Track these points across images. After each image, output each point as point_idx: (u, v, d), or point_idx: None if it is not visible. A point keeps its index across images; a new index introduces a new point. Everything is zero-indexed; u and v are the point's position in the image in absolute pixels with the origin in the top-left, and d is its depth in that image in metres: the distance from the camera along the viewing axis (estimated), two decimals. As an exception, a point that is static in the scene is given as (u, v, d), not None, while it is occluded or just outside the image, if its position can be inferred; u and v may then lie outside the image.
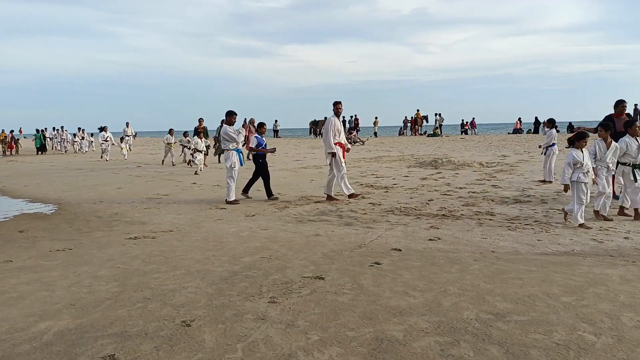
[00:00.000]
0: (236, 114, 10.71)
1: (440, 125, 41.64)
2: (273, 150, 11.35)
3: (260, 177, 10.85)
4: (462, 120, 45.49)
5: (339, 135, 10.09)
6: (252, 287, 4.83)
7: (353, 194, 10.14)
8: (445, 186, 11.74)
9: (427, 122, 42.94)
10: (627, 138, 7.86)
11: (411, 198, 10.15)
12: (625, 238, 6.36)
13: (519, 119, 43.30)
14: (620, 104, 9.01)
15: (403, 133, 44.34)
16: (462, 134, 42.91)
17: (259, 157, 10.87)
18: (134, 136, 30.72)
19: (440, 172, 14.69)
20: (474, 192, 10.56)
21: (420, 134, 42.31)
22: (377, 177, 14.03)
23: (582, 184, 7.20)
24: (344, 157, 10.18)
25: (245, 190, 10.91)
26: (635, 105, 32.37)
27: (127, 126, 29.01)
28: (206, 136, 19.64)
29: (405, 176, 14.06)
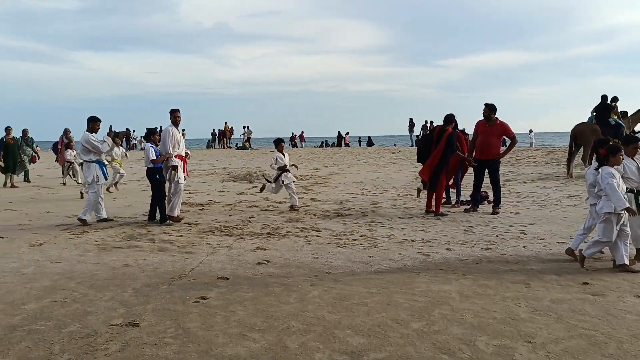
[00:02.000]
0: (100, 120, 8.94)
1: (249, 138, 41.63)
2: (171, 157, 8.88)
3: (155, 197, 8.77)
4: (292, 133, 46.41)
5: (179, 146, 8.92)
6: (39, 347, 3.63)
7: (178, 217, 8.86)
8: (264, 201, 11.27)
9: (233, 134, 42.64)
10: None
11: (230, 215, 9.43)
12: (447, 249, 6.50)
13: (347, 133, 45.07)
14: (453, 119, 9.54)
15: (212, 146, 43.35)
16: (292, 146, 43.48)
17: (157, 172, 8.71)
18: None
19: (257, 186, 14.21)
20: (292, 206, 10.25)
21: (230, 147, 41.78)
22: (189, 192, 12.98)
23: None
24: (184, 171, 9.06)
25: (152, 218, 8.75)
26: (411, 119, 36.43)
27: None
28: (2, 149, 15.58)
29: (220, 191, 13.28)
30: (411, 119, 36.38)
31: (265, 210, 9.98)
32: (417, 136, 36.75)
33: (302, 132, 46.32)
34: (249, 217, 9.13)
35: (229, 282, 5.19)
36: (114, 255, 6.43)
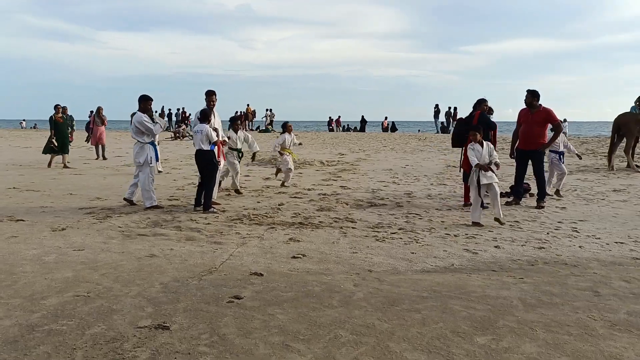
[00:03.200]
0: (152, 99, 8.59)
1: (272, 121, 41.23)
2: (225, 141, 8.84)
3: (205, 182, 8.17)
4: (330, 117, 45.70)
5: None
6: (59, 352, 3.27)
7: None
8: (293, 187, 10.85)
9: (255, 117, 42.30)
10: None
11: (258, 202, 9.02)
12: (496, 247, 5.99)
13: (386, 117, 43.41)
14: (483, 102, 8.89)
15: (233, 128, 42.97)
16: (329, 131, 42.72)
17: (213, 155, 8.19)
18: None
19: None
20: (324, 195, 9.81)
21: (251, 130, 41.42)
22: (214, 176, 12.63)
23: None
24: (219, 156, 8.48)
25: (209, 206, 8.06)
26: (436, 105, 35.61)
27: None
28: (53, 127, 15.06)
29: (245, 176, 12.85)
30: (437, 105, 35.58)
31: (295, 197, 9.55)
32: (442, 123, 35.96)
33: (339, 117, 45.31)
34: (279, 205, 8.71)
35: (264, 279, 4.78)
36: (139, 244, 6.07)
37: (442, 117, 35.87)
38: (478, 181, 7.18)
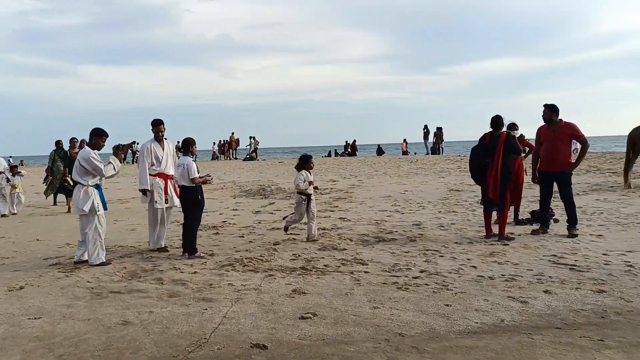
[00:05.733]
0: (107, 135, 6.99)
1: (256, 149, 40.26)
2: (211, 180, 8.08)
3: (186, 222, 7.15)
4: (346, 141, 43.37)
5: (161, 163, 7.50)
6: None
7: (164, 247, 7.57)
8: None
9: (239, 145, 41.47)
10: None
11: (251, 242, 7.93)
12: (546, 292, 4.96)
13: (405, 140, 41.17)
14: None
15: (217, 157, 41.93)
16: (348, 155, 40.31)
17: (200, 192, 7.20)
18: None
19: (273, 203, 12.72)
20: (323, 230, 8.73)
21: (236, 158, 40.37)
22: (200, 211, 11.51)
23: None
24: (166, 192, 7.49)
25: (193, 250, 7.03)
26: (425, 125, 35.04)
27: None
28: (68, 165, 12.45)
29: (234, 210, 11.79)
30: (426, 126, 35.00)
31: (290, 234, 8.46)
32: (433, 144, 35.27)
33: (355, 141, 42.88)
34: (274, 245, 7.63)
35: (269, 355, 3.69)
36: (110, 306, 4.94)
37: (431, 138, 35.22)
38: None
